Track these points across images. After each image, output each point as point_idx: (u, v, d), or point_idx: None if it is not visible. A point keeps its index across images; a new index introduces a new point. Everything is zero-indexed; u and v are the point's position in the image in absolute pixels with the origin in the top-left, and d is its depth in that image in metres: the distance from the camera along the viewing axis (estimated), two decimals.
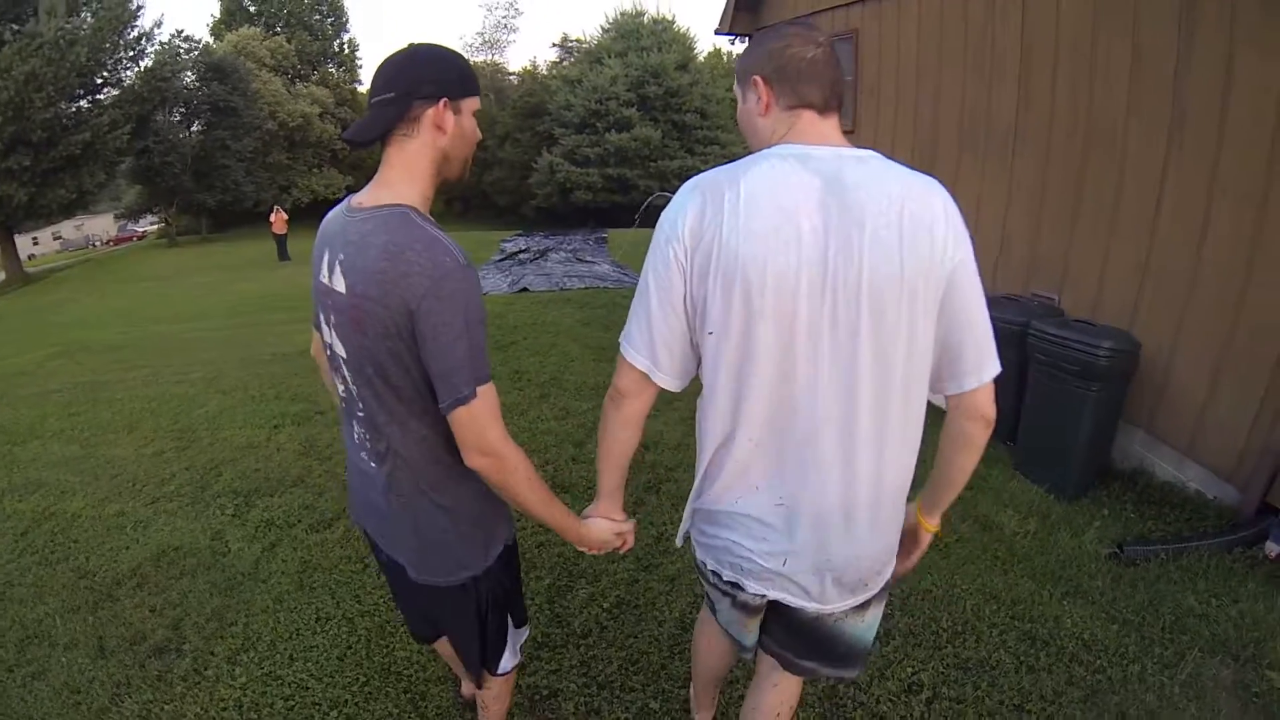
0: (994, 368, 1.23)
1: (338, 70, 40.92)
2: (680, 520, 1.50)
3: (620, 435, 1.40)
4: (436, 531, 1.47)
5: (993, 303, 3.94)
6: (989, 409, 1.27)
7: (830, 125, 1.23)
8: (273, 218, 20.20)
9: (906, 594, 2.75)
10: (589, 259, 12.92)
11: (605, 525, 1.53)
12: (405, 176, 1.33)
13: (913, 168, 1.18)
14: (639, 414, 1.37)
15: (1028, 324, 3.67)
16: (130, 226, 47.57)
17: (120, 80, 24.95)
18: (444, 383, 1.26)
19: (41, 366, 7.97)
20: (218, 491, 3.89)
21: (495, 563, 1.57)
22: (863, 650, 1.48)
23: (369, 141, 1.32)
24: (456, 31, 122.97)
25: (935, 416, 1.31)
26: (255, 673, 2.48)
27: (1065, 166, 3.94)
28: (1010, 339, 3.71)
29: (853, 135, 6.67)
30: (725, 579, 1.39)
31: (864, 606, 1.39)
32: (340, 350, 1.39)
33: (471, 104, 1.36)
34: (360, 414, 1.43)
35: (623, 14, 33.70)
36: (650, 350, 1.26)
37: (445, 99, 1.31)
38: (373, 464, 1.47)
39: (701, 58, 35.28)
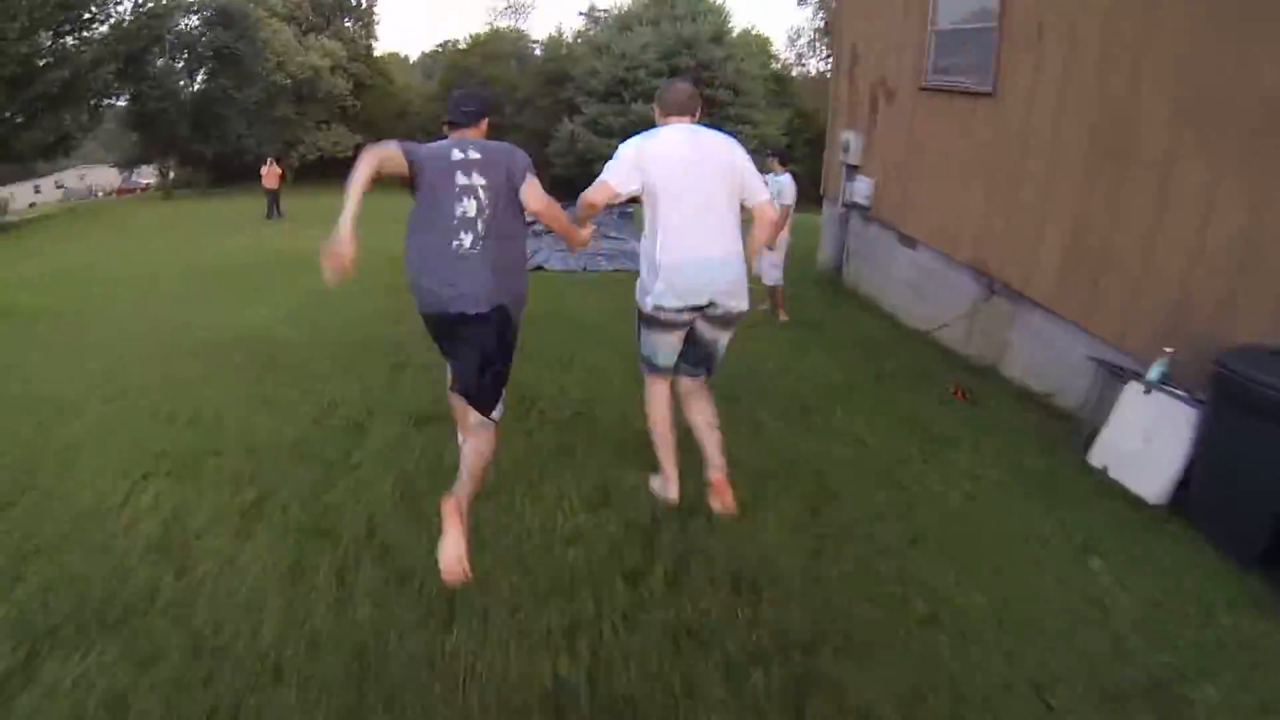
0: (766, 196, 2.99)
1: (353, 25, 38.93)
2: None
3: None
4: (513, 265, 2.77)
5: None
6: (772, 212, 3.00)
7: (687, 119, 2.98)
8: (264, 169, 18.17)
9: None
10: (614, 235, 11.09)
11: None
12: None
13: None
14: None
15: None
16: (135, 178, 45.42)
17: (109, 16, 22.97)
18: (522, 189, 2.73)
19: None
20: None
21: (520, 322, 2.84)
22: (719, 359, 3.06)
23: (463, 127, 2.87)
24: None
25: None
26: None
27: None
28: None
29: (994, 100, 4.99)
30: (677, 305, 2.81)
31: (728, 325, 2.93)
32: (480, 181, 2.64)
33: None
34: (483, 218, 2.63)
35: None
36: (622, 184, 2.86)
37: (488, 116, 3.00)
38: (475, 249, 2.60)
39: (734, 35, 33.27)
